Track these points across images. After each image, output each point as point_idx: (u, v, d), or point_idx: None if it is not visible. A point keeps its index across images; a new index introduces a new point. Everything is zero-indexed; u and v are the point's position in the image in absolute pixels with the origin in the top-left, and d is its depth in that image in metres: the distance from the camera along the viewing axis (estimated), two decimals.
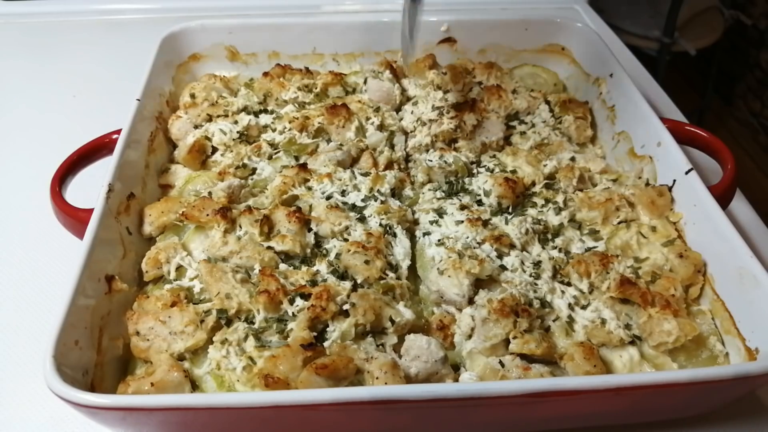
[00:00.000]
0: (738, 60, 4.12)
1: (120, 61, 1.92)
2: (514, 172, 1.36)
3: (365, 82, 1.59)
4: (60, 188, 1.20)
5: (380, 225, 1.20)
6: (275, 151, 1.39)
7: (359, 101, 1.51)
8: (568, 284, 1.15)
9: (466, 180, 1.35)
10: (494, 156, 1.43)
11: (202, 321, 1.03)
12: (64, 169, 1.24)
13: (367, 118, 1.46)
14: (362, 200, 1.26)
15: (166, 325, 1.02)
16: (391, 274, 1.12)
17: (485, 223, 1.22)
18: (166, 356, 1.00)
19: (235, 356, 0.99)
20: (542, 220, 1.25)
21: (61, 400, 0.84)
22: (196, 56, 1.66)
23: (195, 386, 1.00)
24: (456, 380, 1.02)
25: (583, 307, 1.11)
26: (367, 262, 1.10)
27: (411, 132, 1.49)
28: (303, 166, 1.32)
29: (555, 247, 1.22)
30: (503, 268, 1.15)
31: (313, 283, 1.09)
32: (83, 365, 0.95)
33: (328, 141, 1.41)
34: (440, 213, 1.26)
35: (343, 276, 1.11)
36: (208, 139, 1.40)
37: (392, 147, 1.44)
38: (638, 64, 2.01)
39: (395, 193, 1.33)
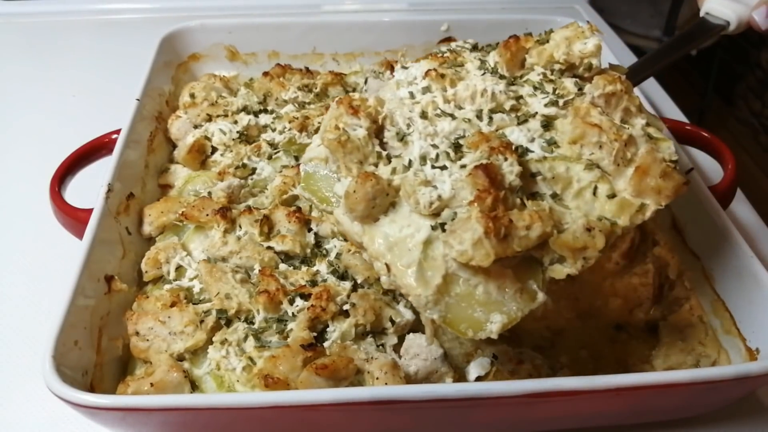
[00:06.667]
0: (738, 60, 4.11)
1: (120, 61, 1.92)
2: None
3: (366, 82, 1.59)
4: (59, 188, 1.20)
5: None
6: (275, 151, 1.39)
7: None
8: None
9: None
10: None
11: (201, 321, 1.03)
12: (63, 169, 1.23)
13: None
14: None
15: (166, 326, 1.02)
16: None
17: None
18: (166, 356, 1.00)
19: (234, 356, 0.99)
20: (522, 100, 1.00)
21: (60, 401, 0.84)
22: (195, 56, 1.66)
23: (195, 386, 1.00)
24: (455, 379, 1.02)
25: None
26: (367, 261, 1.10)
27: None
28: None
29: (489, 121, 0.97)
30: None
31: (313, 283, 1.08)
32: (83, 365, 0.95)
33: None
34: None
35: (343, 276, 1.11)
36: (208, 138, 1.39)
37: None
38: None
39: None
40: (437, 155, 0.91)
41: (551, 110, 0.98)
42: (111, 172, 1.17)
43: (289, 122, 1.42)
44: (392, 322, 1.04)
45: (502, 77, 1.03)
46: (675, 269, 1.21)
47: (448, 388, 0.90)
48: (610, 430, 1.05)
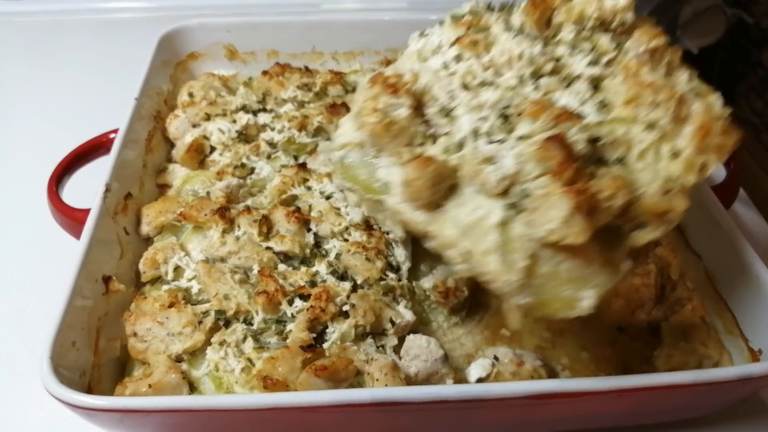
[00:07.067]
0: (740, 59, 4.10)
1: (118, 60, 1.91)
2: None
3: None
4: (57, 188, 1.20)
5: None
6: (274, 150, 1.38)
7: None
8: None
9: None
10: None
11: (200, 322, 1.02)
12: (61, 168, 1.23)
13: None
14: None
15: (164, 327, 1.01)
16: (392, 275, 1.11)
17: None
18: (164, 357, 0.99)
19: (233, 357, 0.98)
20: (561, 61, 0.95)
21: (58, 402, 0.83)
22: (194, 55, 1.66)
23: (193, 388, 0.99)
24: (456, 380, 1.01)
25: None
26: (367, 261, 1.10)
27: None
28: (302, 166, 1.31)
29: (534, 87, 0.93)
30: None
31: (313, 283, 1.08)
32: (80, 366, 0.94)
33: (328, 140, 1.40)
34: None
35: (342, 277, 1.10)
36: (207, 138, 1.38)
37: None
38: None
39: None
40: (491, 129, 0.85)
41: (595, 70, 0.92)
42: (109, 171, 1.16)
43: (289, 121, 1.41)
44: (392, 323, 1.04)
45: (535, 38, 0.97)
46: (677, 270, 1.20)
47: (448, 389, 0.90)
48: None
